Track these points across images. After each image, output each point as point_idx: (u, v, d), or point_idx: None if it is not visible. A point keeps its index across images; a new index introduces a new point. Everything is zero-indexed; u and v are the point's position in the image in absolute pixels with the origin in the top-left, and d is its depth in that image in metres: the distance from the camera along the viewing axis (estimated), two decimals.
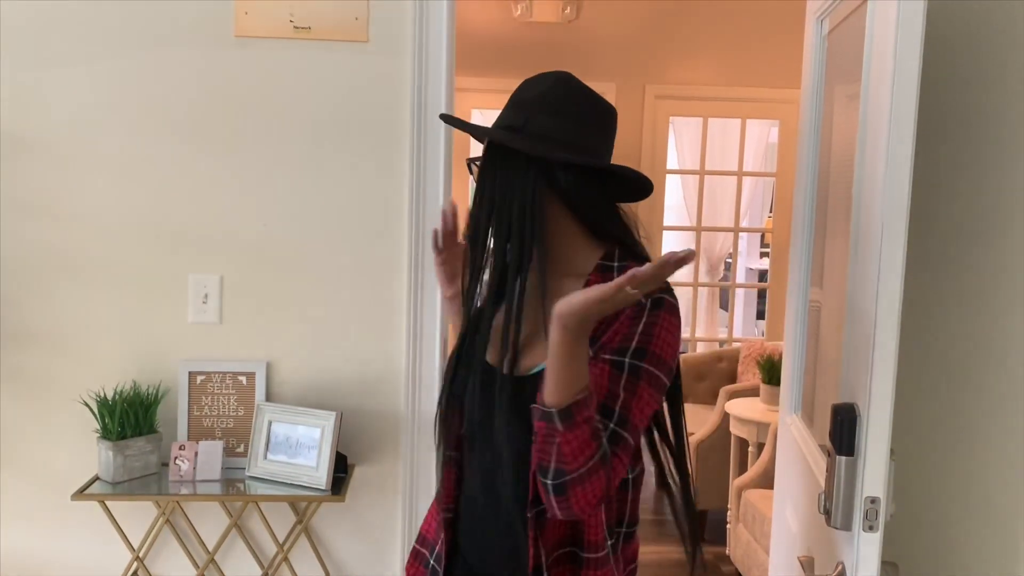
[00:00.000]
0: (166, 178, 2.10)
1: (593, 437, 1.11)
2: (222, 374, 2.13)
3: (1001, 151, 1.65)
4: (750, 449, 3.56)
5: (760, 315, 6.96)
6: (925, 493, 1.63)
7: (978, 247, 1.65)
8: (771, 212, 6.35)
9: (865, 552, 1.38)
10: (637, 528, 1.38)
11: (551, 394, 1.10)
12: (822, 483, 1.72)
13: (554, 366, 1.09)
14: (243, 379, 2.14)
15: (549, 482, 1.12)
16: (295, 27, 2.08)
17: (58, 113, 2.07)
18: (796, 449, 2.03)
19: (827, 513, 1.44)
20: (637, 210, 1.42)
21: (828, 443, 1.45)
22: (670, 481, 1.37)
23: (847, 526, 1.41)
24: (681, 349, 5.95)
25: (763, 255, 7.53)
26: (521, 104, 1.30)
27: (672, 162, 5.57)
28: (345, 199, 2.12)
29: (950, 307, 1.65)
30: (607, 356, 1.18)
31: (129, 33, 2.06)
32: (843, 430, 1.41)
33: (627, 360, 1.18)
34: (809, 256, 2.11)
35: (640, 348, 1.18)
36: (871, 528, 1.39)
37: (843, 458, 1.41)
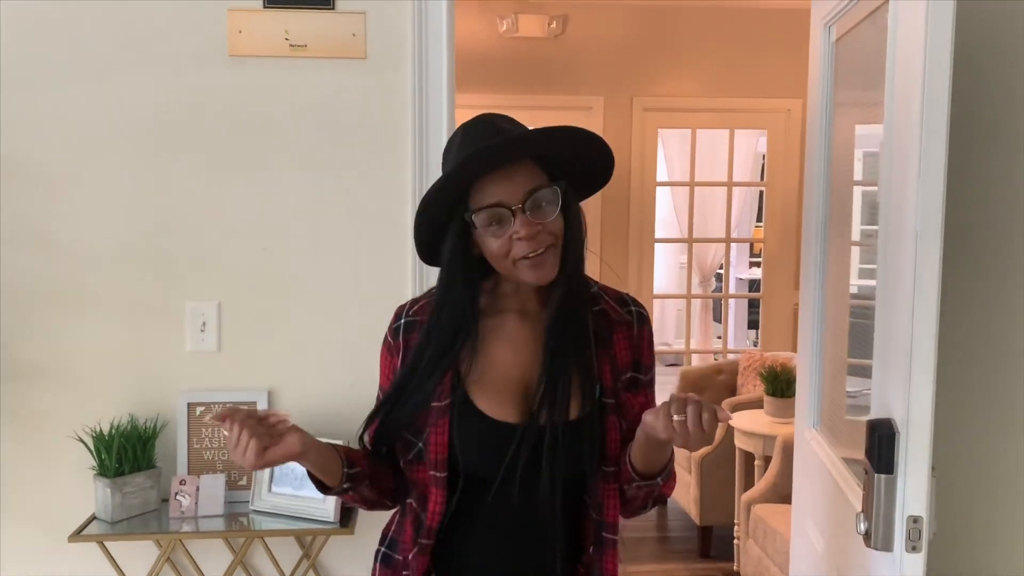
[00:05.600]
0: (161, 203, 2.03)
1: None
2: (222, 404, 2.05)
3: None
4: (756, 462, 3.51)
5: (752, 325, 6.94)
6: (965, 510, 1.58)
7: (1007, 250, 1.62)
8: (759, 221, 6.34)
9: (909, 574, 1.33)
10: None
11: (651, 467, 1.29)
12: (850, 499, 1.67)
13: (653, 459, 1.28)
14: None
15: (649, 509, 1.40)
16: (291, 45, 2.02)
17: (50, 137, 1.99)
18: (817, 464, 1.98)
19: (866, 534, 1.39)
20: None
21: (865, 460, 1.40)
22: None
23: (887, 547, 1.36)
24: (676, 361, 5.88)
25: (752, 264, 7.52)
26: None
27: (662, 174, 5.54)
28: (347, 219, 2.06)
29: (981, 312, 1.61)
30: (650, 376, 1.40)
31: (121, 54, 1.99)
32: (881, 447, 1.36)
33: (653, 373, 1.42)
34: (823, 268, 2.07)
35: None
36: (914, 549, 1.33)
37: (881, 476, 1.36)
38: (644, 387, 1.37)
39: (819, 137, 2.04)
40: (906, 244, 1.34)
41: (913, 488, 1.33)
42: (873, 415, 1.45)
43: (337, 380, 2.08)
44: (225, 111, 2.02)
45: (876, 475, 1.36)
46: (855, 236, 2.17)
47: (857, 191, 2.18)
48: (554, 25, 5.07)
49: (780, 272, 5.41)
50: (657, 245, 5.48)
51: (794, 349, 4.90)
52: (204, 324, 2.06)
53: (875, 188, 2.32)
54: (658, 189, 5.39)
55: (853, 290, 2.10)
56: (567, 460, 1.27)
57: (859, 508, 1.50)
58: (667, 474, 1.32)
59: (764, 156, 5.61)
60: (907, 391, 1.33)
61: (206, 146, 2.03)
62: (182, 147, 2.02)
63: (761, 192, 5.85)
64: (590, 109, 5.06)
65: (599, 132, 5.47)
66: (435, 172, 2.05)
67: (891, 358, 1.40)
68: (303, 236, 2.06)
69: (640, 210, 5.24)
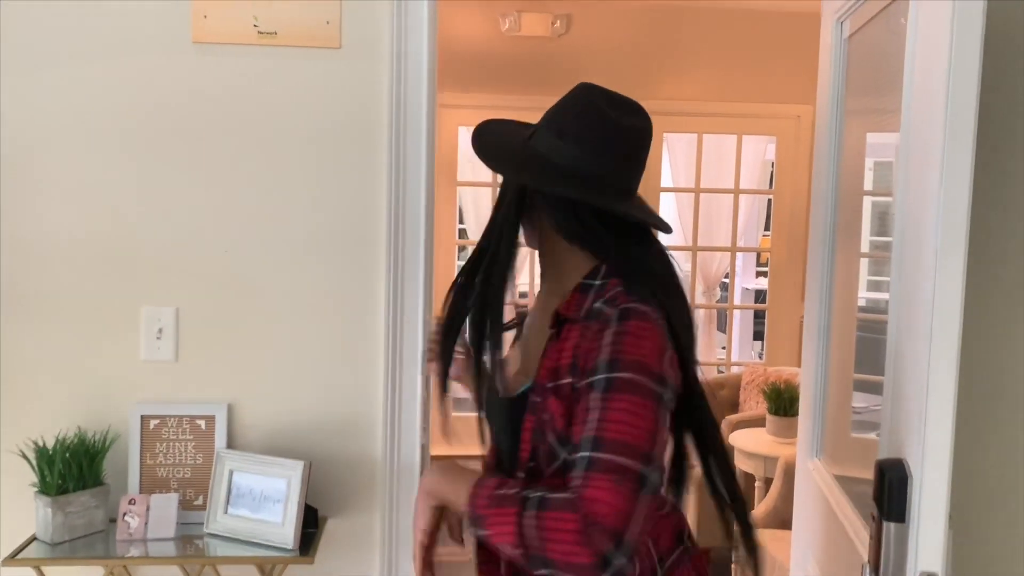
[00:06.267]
0: (116, 199, 1.89)
1: (503, 503, 1.10)
2: (178, 418, 1.91)
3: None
4: (756, 484, 3.34)
5: (757, 336, 6.77)
6: (984, 564, 1.42)
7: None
8: (766, 230, 6.17)
9: None
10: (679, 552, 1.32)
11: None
12: (855, 542, 1.52)
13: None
14: (202, 423, 1.91)
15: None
16: (259, 32, 1.88)
17: None
18: (820, 499, 1.82)
19: None
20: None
21: (872, 505, 1.24)
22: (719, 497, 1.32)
23: None
24: None
25: (759, 274, 7.34)
26: (544, 117, 1.32)
27: (666, 179, 5.39)
28: (316, 220, 1.91)
29: (1001, 337, 1.45)
30: (585, 381, 1.14)
31: (73, 40, 1.85)
32: (892, 492, 1.20)
33: (599, 376, 1.12)
34: (830, 284, 1.91)
35: (612, 360, 1.12)
36: None
37: (891, 524, 1.20)
38: (571, 393, 1.16)
39: (828, 140, 1.89)
40: (924, 262, 1.18)
41: (927, 540, 1.17)
42: (883, 454, 1.29)
43: (302, 395, 1.93)
44: (187, 102, 1.88)
45: (885, 523, 1.21)
46: (864, 248, 2.02)
47: (867, 201, 2.04)
48: (558, 24, 4.92)
49: (787, 283, 5.25)
50: None
51: (798, 363, 4.74)
52: (160, 331, 1.91)
53: (886, 199, 2.17)
54: (662, 195, 5.24)
55: (861, 303, 1.98)
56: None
57: (865, 555, 1.35)
58: (470, 516, 1.14)
59: (773, 163, 5.45)
60: (923, 429, 1.17)
61: (166, 139, 1.88)
62: (140, 140, 1.88)
63: (769, 200, 5.69)
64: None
65: None
66: (412, 173, 1.91)
67: (904, 390, 1.24)
68: (268, 239, 1.91)
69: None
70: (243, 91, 1.89)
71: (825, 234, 1.91)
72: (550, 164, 1.25)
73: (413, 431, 1.96)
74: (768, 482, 3.24)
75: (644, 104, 4.80)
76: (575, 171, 1.23)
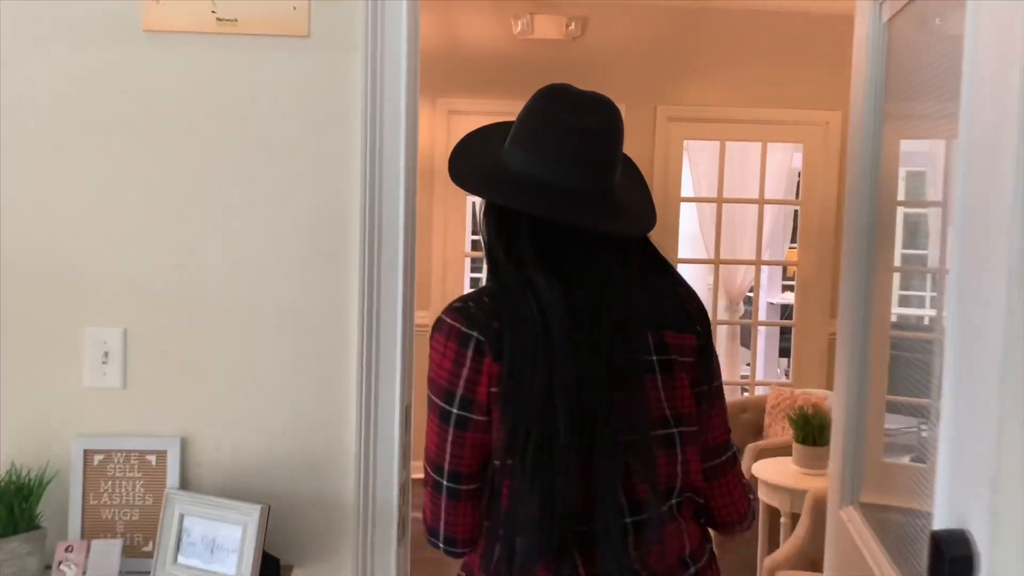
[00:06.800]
0: (55, 206, 1.68)
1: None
2: (126, 452, 1.70)
3: None
4: (782, 520, 3.08)
5: (783, 352, 6.49)
6: None
7: None
8: (793, 243, 5.90)
9: None
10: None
11: None
12: None
13: None
14: (152, 459, 1.70)
15: None
16: (218, 19, 1.67)
17: None
18: (855, 556, 1.57)
19: None
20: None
21: None
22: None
23: None
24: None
25: (785, 288, 7.07)
26: None
27: (687, 189, 5.15)
28: (280, 230, 1.70)
29: None
30: None
31: (11, 29, 1.65)
32: (952, 572, 0.96)
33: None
34: (867, 302, 1.66)
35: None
36: None
37: None
38: None
39: (865, 142, 1.64)
40: (993, 291, 0.94)
41: None
42: (939, 524, 1.04)
43: (264, 427, 1.71)
44: (137, 97, 1.67)
45: None
46: (897, 261, 1.79)
47: (899, 212, 1.81)
48: (572, 27, 4.71)
49: (815, 298, 4.98)
50: (681, 265, 5.08)
51: (828, 385, 4.46)
52: (106, 355, 1.70)
53: (919, 210, 1.93)
54: (683, 205, 5.00)
55: (893, 319, 1.75)
56: None
57: None
58: None
59: (799, 172, 5.19)
60: (993, 494, 0.93)
61: (112, 138, 1.68)
62: (82, 138, 1.67)
63: (796, 211, 5.43)
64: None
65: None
66: (389, 175, 1.69)
67: (967, 446, 1.00)
68: (228, 250, 1.70)
69: (663, 227, 4.82)
70: (200, 84, 1.68)
71: (860, 251, 1.67)
72: (501, 173, 1.26)
73: (390, 467, 1.73)
74: (795, 518, 2.98)
75: (663, 110, 4.54)
76: (521, 177, 1.24)
